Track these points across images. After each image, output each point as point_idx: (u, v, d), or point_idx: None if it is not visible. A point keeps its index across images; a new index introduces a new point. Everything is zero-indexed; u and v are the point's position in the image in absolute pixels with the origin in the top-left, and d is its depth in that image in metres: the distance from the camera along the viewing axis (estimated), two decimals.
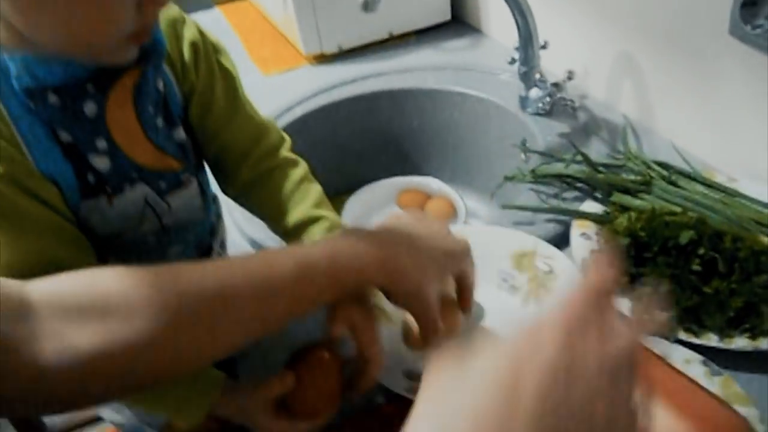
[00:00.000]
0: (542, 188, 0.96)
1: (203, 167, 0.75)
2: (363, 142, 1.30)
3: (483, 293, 0.81)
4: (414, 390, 0.67)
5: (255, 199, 0.76)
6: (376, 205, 1.24)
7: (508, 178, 0.97)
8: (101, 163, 0.61)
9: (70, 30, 0.52)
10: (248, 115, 0.76)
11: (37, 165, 0.57)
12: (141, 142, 0.64)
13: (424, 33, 1.45)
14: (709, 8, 0.88)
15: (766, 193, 0.85)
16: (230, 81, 0.73)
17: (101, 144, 0.61)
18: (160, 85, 0.65)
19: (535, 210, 0.90)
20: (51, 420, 1.34)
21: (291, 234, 0.73)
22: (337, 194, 1.27)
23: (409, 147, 1.31)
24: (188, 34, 0.68)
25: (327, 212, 0.74)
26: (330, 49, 1.39)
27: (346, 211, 1.20)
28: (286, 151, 0.78)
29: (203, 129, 0.72)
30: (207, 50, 0.70)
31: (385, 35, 1.42)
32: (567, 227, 0.87)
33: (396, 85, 1.27)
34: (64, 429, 1.36)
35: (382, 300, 0.79)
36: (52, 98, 0.57)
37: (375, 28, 1.41)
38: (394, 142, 1.31)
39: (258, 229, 0.94)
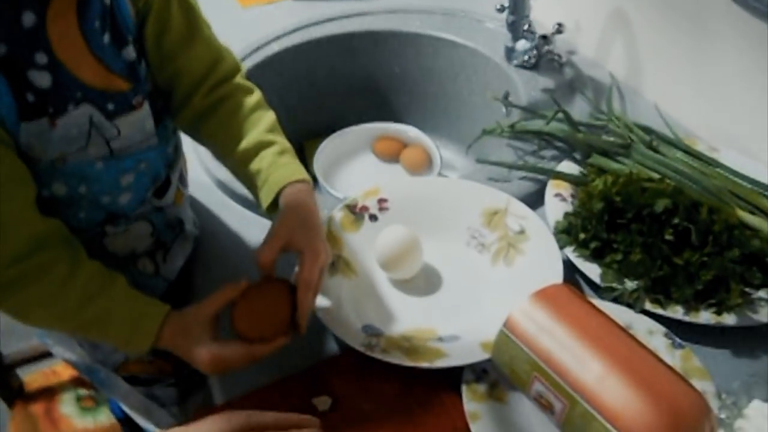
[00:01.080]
0: (520, 144, 0.93)
1: (158, 91, 0.71)
2: (341, 84, 1.25)
3: (451, 249, 0.79)
4: (370, 345, 0.66)
5: (207, 128, 0.73)
6: (351, 150, 1.20)
7: (486, 132, 0.94)
8: (42, 79, 0.57)
9: None
10: (206, 37, 0.72)
11: None
12: (86, 58, 0.60)
13: None
14: None
15: (746, 166, 0.83)
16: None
17: (41, 58, 0.57)
18: None
19: (511, 167, 0.87)
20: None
21: (242, 159, 0.70)
22: (311, 137, 1.23)
23: (389, 92, 1.27)
24: None
25: (278, 137, 0.71)
26: None
27: (319, 154, 1.15)
28: (240, 78, 0.75)
29: (159, 50, 0.67)
30: None
31: None
32: (542, 186, 0.85)
33: (379, 26, 1.22)
34: (15, 361, 1.34)
35: (347, 251, 0.77)
36: None
37: None
38: (373, 86, 1.26)
39: (224, 168, 0.90)
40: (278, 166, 0.68)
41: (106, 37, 0.61)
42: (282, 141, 0.71)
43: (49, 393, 1.36)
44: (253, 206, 0.86)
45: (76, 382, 1.36)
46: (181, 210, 0.78)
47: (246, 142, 0.70)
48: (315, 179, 1.09)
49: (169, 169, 0.73)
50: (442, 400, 0.65)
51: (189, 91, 0.71)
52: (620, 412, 0.53)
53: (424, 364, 0.64)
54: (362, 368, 0.67)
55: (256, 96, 0.74)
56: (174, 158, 0.74)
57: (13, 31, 0.54)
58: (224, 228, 0.85)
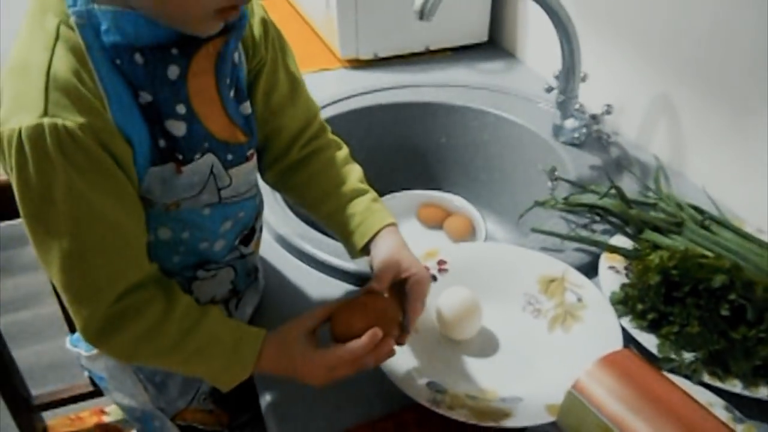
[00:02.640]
0: (571, 218, 0.96)
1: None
2: (389, 151, 1.30)
3: (507, 313, 0.81)
4: (435, 401, 0.67)
5: (299, 178, 0.77)
6: (396, 215, 1.22)
7: (539, 203, 0.97)
8: (178, 128, 0.61)
9: None
10: (306, 95, 0.78)
11: (116, 122, 0.57)
12: (217, 112, 0.64)
13: (460, 51, 1.46)
14: (757, 57, 0.89)
15: None
16: (292, 59, 0.75)
17: (180, 108, 0.61)
18: (236, 57, 0.66)
19: (566, 238, 0.89)
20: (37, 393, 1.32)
21: (337, 206, 0.75)
22: None
23: (435, 162, 1.31)
24: (258, 11, 0.69)
25: (369, 187, 0.77)
26: (366, 55, 1.39)
27: None
28: (330, 134, 0.81)
29: (266, 107, 0.73)
30: (274, 27, 0.71)
31: (421, 48, 1.43)
32: (595, 258, 0.87)
33: (429, 98, 1.28)
34: (42, 404, 1.33)
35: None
36: (138, 57, 0.57)
37: (412, 39, 1.41)
38: (420, 155, 1.31)
39: (283, 224, 0.93)
40: (373, 211, 0.74)
41: (231, 93, 0.66)
42: (372, 191, 0.77)
43: None
44: (311, 261, 0.89)
45: (101, 429, 1.35)
46: (257, 258, 0.81)
47: (341, 190, 0.75)
48: None
49: (255, 220, 0.76)
50: None
51: (287, 144, 0.76)
52: None
53: (491, 423, 0.65)
54: (423, 425, 0.68)
55: (346, 150, 0.80)
56: (260, 209, 0.78)
57: (160, 83, 0.59)
58: (286, 281, 0.88)
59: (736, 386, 0.71)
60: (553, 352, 0.76)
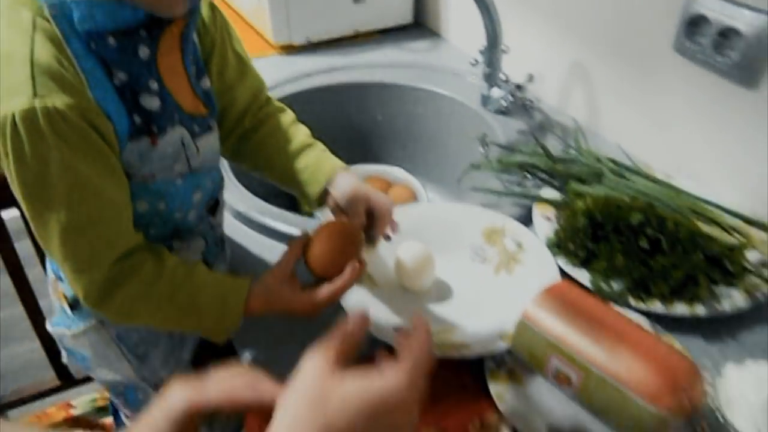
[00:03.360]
0: (504, 177, 1.06)
1: None
2: (328, 132, 1.35)
3: (457, 264, 0.90)
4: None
5: (252, 144, 0.84)
6: None
7: (474, 167, 1.06)
8: (152, 103, 0.66)
9: None
10: (254, 71, 0.86)
11: (96, 101, 0.61)
12: (184, 87, 0.71)
13: (387, 33, 1.54)
14: (657, 25, 1.01)
15: (698, 189, 0.98)
16: (237, 40, 0.82)
17: (153, 85, 0.67)
18: (194, 36, 0.72)
19: (502, 194, 0.99)
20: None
21: (289, 161, 0.83)
22: None
23: (373, 138, 1.39)
24: None
25: (318, 141, 0.86)
26: (299, 40, 1.45)
27: None
28: (276, 102, 0.89)
29: (220, 83, 0.79)
30: (219, 11, 0.79)
31: (351, 32, 1.50)
32: (528, 211, 0.98)
33: (362, 78, 1.35)
34: (8, 402, 1.33)
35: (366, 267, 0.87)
36: (111, 41, 0.62)
37: (342, 24, 1.48)
38: (358, 133, 1.39)
39: (242, 202, 0.99)
40: (325, 158, 0.83)
41: (193, 69, 0.72)
42: (321, 143, 0.86)
43: None
44: (272, 234, 0.95)
45: (71, 423, 1.37)
46: (222, 230, 0.87)
47: (292, 145, 0.83)
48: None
49: (220, 190, 0.82)
50: (466, 387, 0.74)
51: (239, 116, 0.84)
52: (629, 375, 0.64)
53: (453, 354, 0.74)
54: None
55: (291, 114, 0.88)
56: (222, 180, 0.84)
57: (133, 63, 0.64)
58: (249, 253, 0.94)
59: (656, 306, 0.82)
60: (500, 292, 0.85)
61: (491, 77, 1.19)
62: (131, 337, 0.85)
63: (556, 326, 0.70)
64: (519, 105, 1.23)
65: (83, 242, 0.63)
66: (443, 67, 1.37)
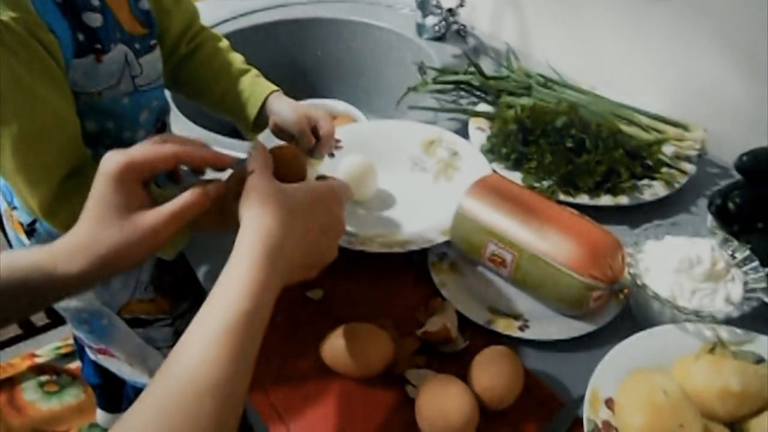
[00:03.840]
0: (441, 97, 1.10)
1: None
2: (269, 69, 1.34)
3: (398, 175, 0.94)
4: (350, 242, 0.80)
5: (189, 69, 0.86)
6: None
7: (411, 89, 1.11)
8: (94, 19, 0.68)
9: None
10: None
11: (41, 17, 0.63)
12: (123, 6, 0.72)
13: None
14: None
15: (619, 97, 1.04)
16: None
17: (95, 1, 0.68)
18: None
19: (438, 110, 1.04)
20: None
21: (226, 86, 0.85)
22: None
23: (314, 74, 1.42)
24: None
25: (252, 68, 0.89)
26: None
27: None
28: (210, 30, 0.92)
29: (158, 7, 0.80)
30: None
31: None
32: (464, 126, 1.02)
33: (299, 14, 1.37)
34: None
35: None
36: None
37: None
38: (300, 70, 1.41)
39: (185, 130, 1.01)
40: (259, 82, 0.86)
41: None
42: (255, 69, 0.88)
43: (9, 383, 1.37)
44: None
45: (36, 371, 1.38)
46: None
47: (228, 71, 0.86)
48: None
49: (166, 112, 0.85)
50: (412, 280, 0.80)
51: (175, 41, 0.86)
52: (556, 251, 0.70)
53: (398, 249, 0.79)
54: (345, 265, 0.80)
55: (226, 42, 0.91)
56: (167, 102, 0.87)
57: None
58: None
59: (584, 199, 0.88)
60: (440, 197, 0.90)
61: (425, 5, 1.23)
62: None
63: (489, 214, 0.75)
64: (453, 32, 1.27)
65: (34, 154, 0.65)
66: (381, 1, 1.40)
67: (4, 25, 0.59)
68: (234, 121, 0.89)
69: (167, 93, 0.90)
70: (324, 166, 0.93)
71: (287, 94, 1.41)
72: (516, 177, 0.92)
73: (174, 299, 0.95)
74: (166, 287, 0.94)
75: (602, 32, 1.10)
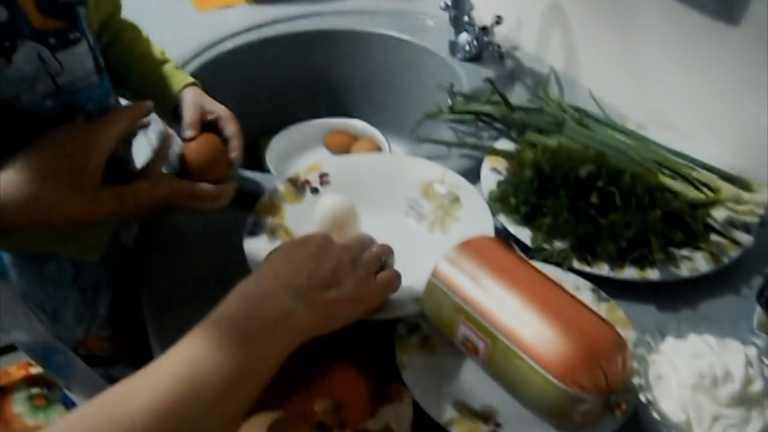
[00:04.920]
0: (461, 127, 0.96)
1: (92, 36, 0.74)
2: (293, 82, 1.29)
3: (390, 219, 0.81)
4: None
5: (111, 57, 0.80)
6: (303, 144, 1.23)
7: (428, 115, 0.97)
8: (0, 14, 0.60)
9: None
10: None
11: None
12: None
13: None
14: None
15: (672, 140, 0.87)
16: None
17: None
18: None
19: (448, 144, 0.90)
20: None
21: (148, 71, 0.82)
22: (265, 133, 1.25)
23: (339, 89, 1.30)
24: None
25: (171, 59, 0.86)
26: None
27: (272, 149, 1.18)
28: (130, 21, 0.87)
29: None
30: None
31: None
32: (480, 163, 0.88)
33: (329, 25, 1.26)
34: None
35: (288, 221, 0.79)
36: None
37: None
38: (324, 83, 1.30)
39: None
40: (175, 74, 0.82)
41: None
42: (174, 61, 0.86)
43: (2, 392, 1.34)
44: None
45: (29, 382, 1.35)
46: (130, 159, 0.81)
47: (147, 60, 0.83)
48: (269, 172, 1.12)
49: None
50: (375, 350, 0.66)
51: (98, 31, 0.79)
52: (537, 345, 0.56)
53: (364, 318, 0.65)
54: None
55: (146, 33, 0.87)
56: (116, 103, 0.79)
57: None
58: None
59: (603, 269, 0.72)
60: (431, 252, 0.76)
61: (458, 21, 1.09)
62: (36, 293, 0.80)
63: (465, 287, 0.61)
64: (491, 52, 1.12)
65: None
66: (419, 13, 1.27)
67: None
68: (157, 114, 0.83)
69: None
70: (305, 203, 0.81)
71: (313, 107, 1.32)
72: (525, 234, 0.76)
73: (134, 339, 0.86)
74: (125, 325, 0.85)
75: (657, 61, 0.93)
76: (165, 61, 0.84)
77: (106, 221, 0.67)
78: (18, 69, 0.62)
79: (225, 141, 0.78)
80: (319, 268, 0.57)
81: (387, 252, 0.65)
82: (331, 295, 0.56)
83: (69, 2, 0.68)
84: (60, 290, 0.81)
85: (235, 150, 0.77)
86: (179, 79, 0.82)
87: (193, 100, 0.79)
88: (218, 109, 0.79)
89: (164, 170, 0.72)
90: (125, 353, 0.89)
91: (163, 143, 0.71)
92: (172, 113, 0.80)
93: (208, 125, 0.78)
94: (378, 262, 0.63)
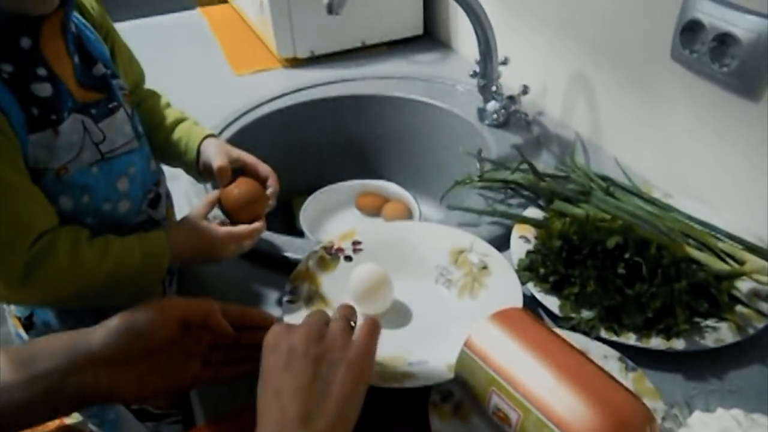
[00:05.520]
0: (490, 194, 1.00)
1: (128, 106, 0.80)
2: (326, 144, 1.34)
3: (421, 286, 0.85)
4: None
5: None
6: (336, 205, 1.27)
7: (458, 182, 1.01)
8: (44, 89, 0.66)
9: None
10: (136, 58, 0.89)
11: None
12: (71, 75, 0.70)
13: (396, 45, 1.50)
14: (654, 34, 0.93)
15: (698, 209, 0.89)
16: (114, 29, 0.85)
17: (41, 71, 0.66)
18: (73, 27, 0.72)
19: (478, 212, 0.93)
20: None
21: (166, 135, 0.88)
22: (299, 193, 1.30)
23: (371, 152, 1.35)
24: None
25: (190, 117, 0.91)
26: (303, 53, 1.43)
27: (305, 209, 1.22)
28: (150, 89, 0.94)
29: (117, 66, 0.80)
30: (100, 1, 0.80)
31: (357, 44, 1.47)
32: (509, 232, 0.91)
33: (363, 91, 1.31)
34: None
35: (323, 288, 0.82)
36: None
37: (348, 36, 1.45)
38: (356, 146, 1.35)
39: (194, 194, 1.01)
40: (194, 129, 0.88)
41: (76, 58, 0.72)
42: (193, 118, 0.91)
43: None
44: None
45: (63, 431, 1.37)
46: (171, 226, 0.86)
47: (167, 122, 0.88)
48: (302, 233, 1.16)
49: (157, 183, 0.82)
50: (407, 418, 0.69)
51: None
52: (568, 418, 0.58)
53: (395, 385, 0.68)
54: None
55: (166, 98, 0.93)
56: (158, 170, 0.84)
57: (16, 53, 0.65)
58: None
59: (630, 339, 0.74)
60: (461, 318, 0.79)
61: (486, 89, 1.13)
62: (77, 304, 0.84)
63: (498, 357, 0.64)
64: (517, 119, 1.16)
65: None
66: (448, 79, 1.32)
67: None
68: (184, 170, 0.90)
69: None
70: (339, 271, 0.85)
71: (345, 169, 1.37)
72: (553, 302, 0.79)
73: (185, 394, 0.89)
74: None
75: (682, 130, 0.96)
76: (183, 120, 0.90)
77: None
78: (65, 139, 0.68)
79: (259, 180, 0.83)
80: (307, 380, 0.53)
81: (349, 312, 0.62)
82: (331, 399, 0.53)
83: (104, 74, 0.74)
84: None
85: (273, 185, 0.83)
86: (197, 133, 0.87)
87: (218, 148, 0.84)
88: (242, 155, 0.85)
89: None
90: (174, 409, 0.91)
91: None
92: (195, 167, 0.86)
93: (236, 171, 0.84)
94: (346, 324, 0.59)
